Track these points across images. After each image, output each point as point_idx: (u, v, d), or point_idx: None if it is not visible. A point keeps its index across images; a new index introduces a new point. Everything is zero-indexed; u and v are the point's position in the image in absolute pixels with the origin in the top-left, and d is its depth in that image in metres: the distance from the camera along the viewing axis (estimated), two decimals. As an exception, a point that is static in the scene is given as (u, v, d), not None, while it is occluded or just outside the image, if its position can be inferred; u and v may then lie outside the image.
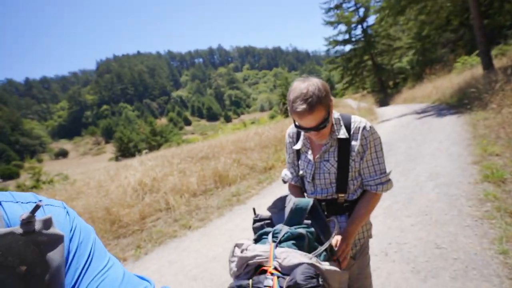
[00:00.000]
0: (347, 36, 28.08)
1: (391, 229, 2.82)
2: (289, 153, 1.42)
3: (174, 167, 7.69)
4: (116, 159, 42.50)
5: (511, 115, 4.90)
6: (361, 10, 26.42)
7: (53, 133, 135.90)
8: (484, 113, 6.50)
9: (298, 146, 1.33)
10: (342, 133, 1.20)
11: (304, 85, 1.08)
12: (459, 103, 9.61)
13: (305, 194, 1.41)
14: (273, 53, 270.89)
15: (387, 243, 2.58)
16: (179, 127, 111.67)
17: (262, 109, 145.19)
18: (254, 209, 1.29)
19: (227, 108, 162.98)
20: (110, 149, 57.38)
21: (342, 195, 1.24)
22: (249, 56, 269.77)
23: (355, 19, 26.48)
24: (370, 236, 1.35)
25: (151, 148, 45.03)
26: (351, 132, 1.20)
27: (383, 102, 24.16)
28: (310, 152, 1.30)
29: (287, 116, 20.12)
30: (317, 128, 1.10)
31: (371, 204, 1.22)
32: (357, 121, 1.21)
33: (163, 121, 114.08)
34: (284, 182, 1.51)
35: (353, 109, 17.37)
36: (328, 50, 30.41)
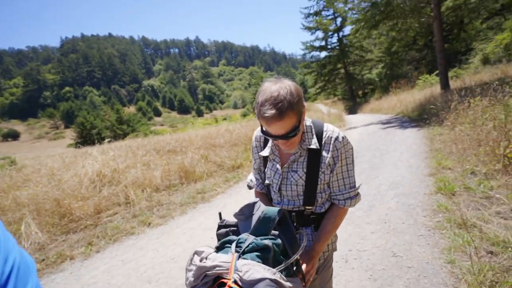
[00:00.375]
0: (323, 43, 28.88)
1: (352, 235, 2.87)
2: (255, 159, 1.33)
3: (138, 159, 7.31)
4: (76, 145, 39.58)
5: (462, 133, 5.30)
6: (339, 20, 27.34)
7: (2, 112, 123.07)
8: (440, 129, 7.00)
9: (265, 153, 1.25)
10: (313, 143, 1.13)
11: (275, 87, 0.98)
12: (419, 117, 10.28)
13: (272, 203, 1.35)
14: (251, 51, 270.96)
15: (348, 250, 2.62)
16: (148, 118, 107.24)
17: (235, 106, 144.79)
18: (220, 214, 1.18)
19: (199, 102, 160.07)
20: (70, 134, 53.19)
21: (310, 207, 1.18)
22: (227, 52, 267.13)
23: (332, 27, 27.31)
24: (334, 249, 1.30)
25: (116, 137, 42.74)
26: (323, 142, 1.13)
27: (352, 110, 25.23)
28: (278, 160, 1.22)
29: (259, 115, 20.12)
30: (286, 136, 1.01)
31: (338, 219, 1.17)
32: (330, 130, 1.14)
33: (131, 109, 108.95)
34: (250, 188, 1.43)
35: (324, 114, 17.89)
36: (304, 55, 31.02)
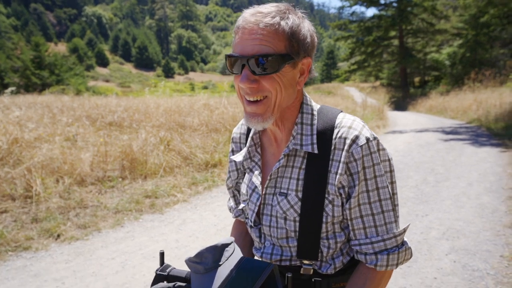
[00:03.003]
0: (375, -6, 28.80)
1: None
2: (230, 170, 1.26)
3: (58, 129, 7.19)
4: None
5: None
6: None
7: None
8: (537, 155, 7.01)
9: (239, 156, 1.16)
10: (309, 143, 1.01)
11: (277, 4, 0.97)
12: (507, 131, 10.34)
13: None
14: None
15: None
16: (87, 66, 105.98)
17: (225, 71, 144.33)
18: (162, 253, 1.04)
19: (171, 55, 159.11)
20: None
21: (309, 262, 1.03)
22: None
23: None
24: None
25: (29, 88, 42.04)
26: (332, 145, 0.99)
27: (401, 104, 25.37)
28: (257, 169, 1.13)
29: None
30: (257, 57, 0.90)
31: None
32: (346, 125, 1.00)
33: (60, 48, 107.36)
34: (231, 211, 1.38)
35: (355, 105, 17.87)
36: (341, 9, 30.93)
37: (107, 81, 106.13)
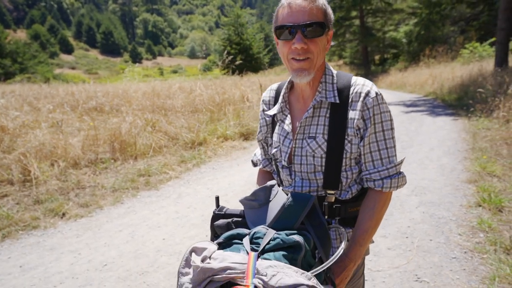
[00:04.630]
0: (336, -25, 28.86)
1: (364, 251, 3.10)
2: (261, 125, 1.47)
3: (42, 117, 7.05)
4: None
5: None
6: None
7: None
8: (488, 122, 7.53)
9: (273, 111, 1.37)
10: (332, 96, 1.24)
11: None
12: (459, 102, 10.91)
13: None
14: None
15: (357, 269, 2.84)
16: (51, 54, 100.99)
17: (193, 55, 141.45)
18: (217, 198, 1.24)
19: (137, 40, 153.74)
20: None
21: (332, 192, 1.26)
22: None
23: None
24: (367, 253, 1.43)
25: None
26: (350, 98, 1.23)
27: (364, 80, 25.87)
28: (288, 120, 1.33)
29: (232, 71, 19.99)
30: (309, 25, 1.14)
31: (379, 209, 1.23)
32: (360, 83, 1.24)
33: (20, 35, 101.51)
34: (254, 165, 1.57)
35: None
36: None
37: (73, 68, 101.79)
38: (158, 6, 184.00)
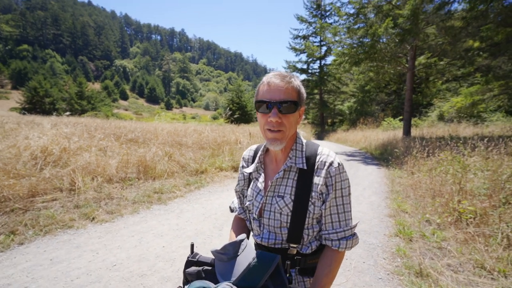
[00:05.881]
0: (305, 66, 29.88)
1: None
2: (239, 180, 1.21)
3: (94, 142, 6.67)
4: (21, 111, 35.32)
5: (419, 180, 5.64)
6: (324, 48, 28.60)
7: None
8: (400, 172, 7.41)
9: (249, 169, 1.13)
10: (301, 163, 1.02)
11: (285, 73, 1.03)
12: (381, 156, 10.88)
13: (251, 234, 1.17)
14: (233, 57, 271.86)
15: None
16: (113, 99, 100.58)
17: (207, 108, 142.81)
18: (192, 245, 0.97)
19: (171, 95, 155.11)
20: (16, 97, 47.25)
21: (295, 245, 1.01)
22: (209, 52, 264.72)
23: (317, 54, 28.44)
24: None
25: (72, 112, 39.27)
26: (315, 166, 1.01)
27: (320, 135, 26.15)
28: (262, 178, 1.10)
29: (231, 121, 19.92)
30: (284, 103, 0.95)
31: (335, 266, 0.99)
32: (325, 154, 1.03)
33: (96, 86, 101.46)
34: (231, 211, 1.28)
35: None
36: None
37: (126, 110, 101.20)
38: (188, 74, 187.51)
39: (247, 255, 0.86)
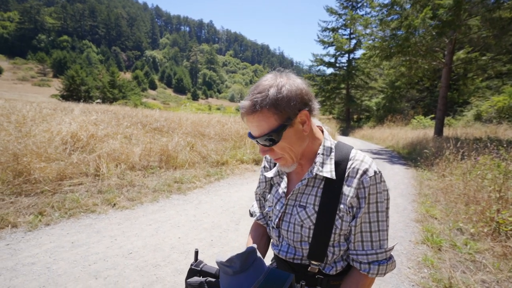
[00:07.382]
0: (333, 60, 28.98)
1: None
2: (260, 181, 1.07)
3: (120, 130, 6.85)
4: (60, 97, 37.69)
5: (451, 184, 5.22)
6: (353, 41, 27.45)
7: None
8: (429, 174, 6.93)
9: (270, 173, 0.99)
10: (327, 171, 0.84)
11: (269, 78, 0.80)
12: (409, 155, 10.29)
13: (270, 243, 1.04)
14: (260, 50, 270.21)
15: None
16: (142, 88, 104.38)
17: (232, 99, 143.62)
18: (196, 252, 0.86)
19: (198, 86, 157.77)
20: (57, 85, 50.68)
21: (316, 263, 0.86)
22: (236, 44, 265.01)
23: (346, 47, 27.39)
24: None
25: (105, 100, 41.21)
26: (346, 173, 0.83)
27: (344, 131, 25.37)
28: (284, 184, 0.94)
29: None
30: (259, 139, 0.79)
31: None
32: (358, 159, 0.84)
33: (127, 76, 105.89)
34: (251, 215, 1.14)
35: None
36: (311, 66, 31.00)
37: (154, 99, 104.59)
38: (214, 65, 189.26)
39: (256, 270, 0.75)
